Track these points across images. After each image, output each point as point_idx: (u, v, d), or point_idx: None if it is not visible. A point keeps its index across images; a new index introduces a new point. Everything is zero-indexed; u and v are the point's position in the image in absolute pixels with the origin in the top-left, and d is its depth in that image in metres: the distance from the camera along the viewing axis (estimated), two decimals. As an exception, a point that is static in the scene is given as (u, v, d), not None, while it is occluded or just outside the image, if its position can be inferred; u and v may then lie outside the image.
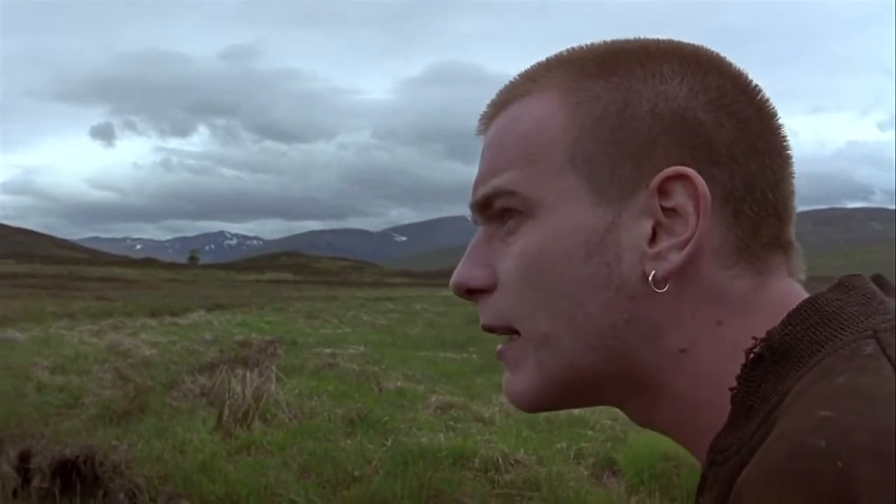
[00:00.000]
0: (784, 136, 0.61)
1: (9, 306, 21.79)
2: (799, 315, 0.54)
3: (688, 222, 0.56)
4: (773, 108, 0.61)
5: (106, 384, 8.63)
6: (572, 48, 0.63)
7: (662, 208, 0.57)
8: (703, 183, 0.56)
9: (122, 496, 4.68)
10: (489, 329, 0.64)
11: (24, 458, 4.89)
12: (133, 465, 5.05)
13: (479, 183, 0.64)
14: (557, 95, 0.61)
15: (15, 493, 4.70)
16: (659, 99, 0.58)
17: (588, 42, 0.63)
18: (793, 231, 0.61)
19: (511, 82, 0.65)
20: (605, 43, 0.62)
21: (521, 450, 5.71)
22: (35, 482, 4.73)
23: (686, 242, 0.56)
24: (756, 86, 0.61)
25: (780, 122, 0.61)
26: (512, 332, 0.62)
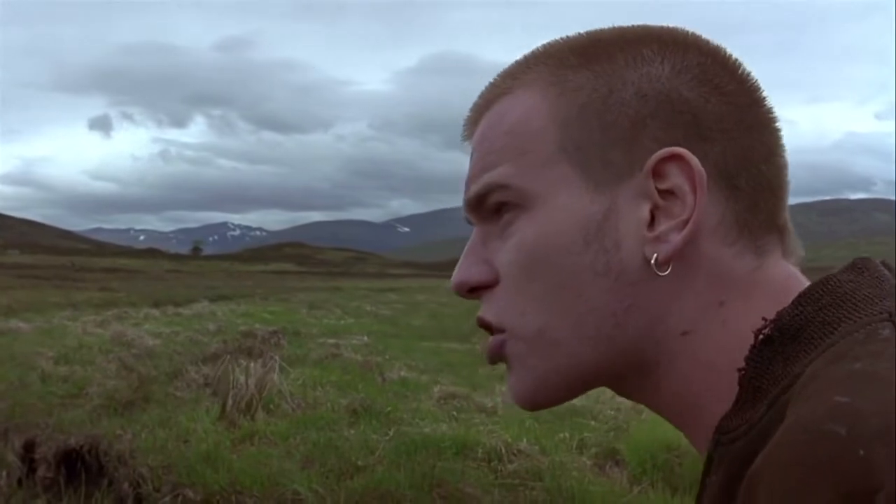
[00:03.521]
0: (770, 109, 0.60)
1: (13, 296, 21.84)
2: (811, 296, 0.54)
3: (685, 202, 0.56)
4: (756, 82, 0.60)
5: (110, 374, 8.65)
6: (549, 43, 0.63)
7: (658, 190, 0.56)
8: (697, 161, 0.55)
9: (126, 486, 4.71)
10: (484, 325, 0.62)
11: (29, 447, 4.92)
12: (137, 455, 5.07)
13: (470, 181, 0.63)
14: (539, 89, 0.60)
15: (20, 482, 4.73)
16: (643, 81, 0.58)
17: (565, 35, 0.63)
18: (787, 209, 0.60)
19: (491, 83, 0.64)
20: (582, 34, 0.62)
21: (524, 440, 5.73)
22: (40, 472, 4.75)
23: (685, 223, 0.55)
24: (736, 60, 0.60)
25: (765, 94, 0.60)
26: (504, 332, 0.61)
